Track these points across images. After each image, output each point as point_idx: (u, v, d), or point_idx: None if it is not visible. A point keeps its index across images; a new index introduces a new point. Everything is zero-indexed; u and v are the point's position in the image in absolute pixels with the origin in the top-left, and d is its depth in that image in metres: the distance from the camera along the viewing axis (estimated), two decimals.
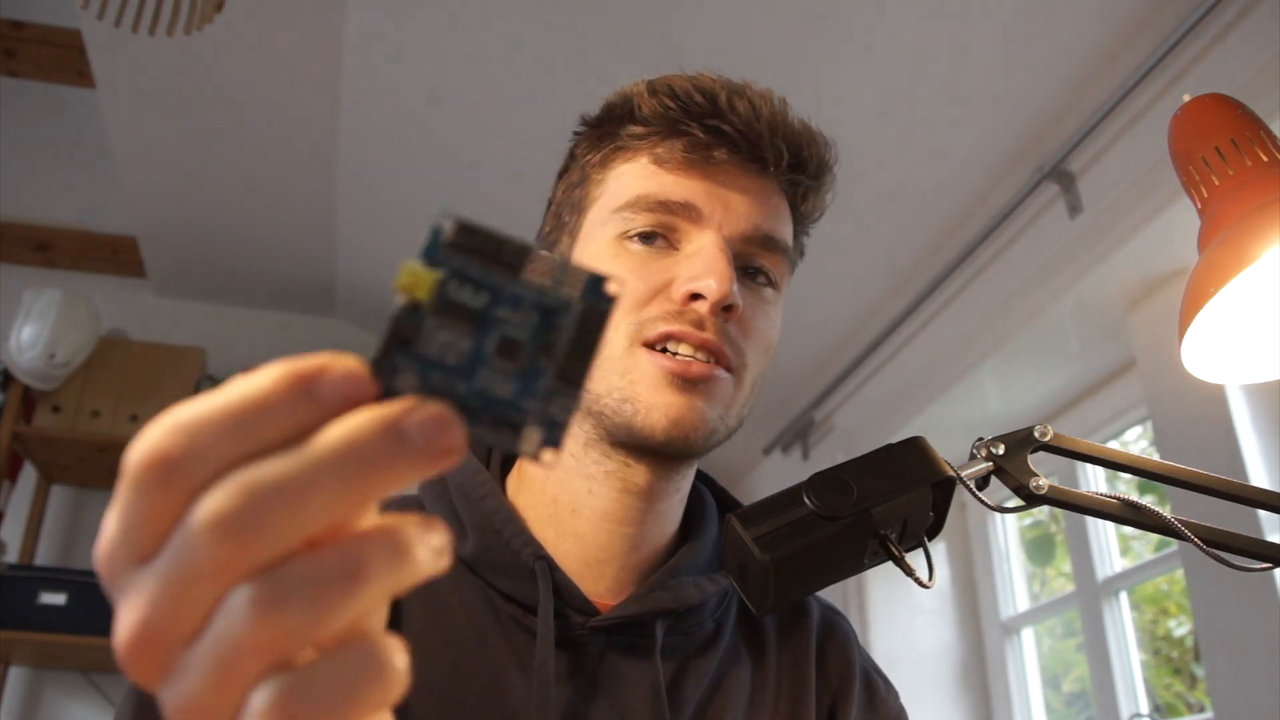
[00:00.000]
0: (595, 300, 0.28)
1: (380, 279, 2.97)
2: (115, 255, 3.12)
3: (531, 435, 0.27)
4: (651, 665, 0.67)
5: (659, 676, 0.67)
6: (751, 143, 0.69)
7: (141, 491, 0.26)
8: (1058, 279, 1.78)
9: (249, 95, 2.31)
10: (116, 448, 2.69)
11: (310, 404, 0.26)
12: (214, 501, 0.25)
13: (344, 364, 0.26)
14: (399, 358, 0.26)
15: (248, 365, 3.26)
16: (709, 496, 0.80)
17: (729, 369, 0.68)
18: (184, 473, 0.25)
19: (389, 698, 0.26)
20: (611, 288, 0.28)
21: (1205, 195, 0.73)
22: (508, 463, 0.76)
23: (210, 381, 2.86)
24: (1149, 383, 1.76)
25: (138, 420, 2.74)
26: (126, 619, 0.26)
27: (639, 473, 0.69)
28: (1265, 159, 0.71)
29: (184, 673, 0.26)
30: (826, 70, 1.80)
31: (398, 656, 0.26)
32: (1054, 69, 1.67)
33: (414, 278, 0.26)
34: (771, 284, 0.72)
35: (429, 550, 0.26)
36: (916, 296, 2.10)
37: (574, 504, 0.71)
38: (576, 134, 0.77)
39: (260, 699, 0.25)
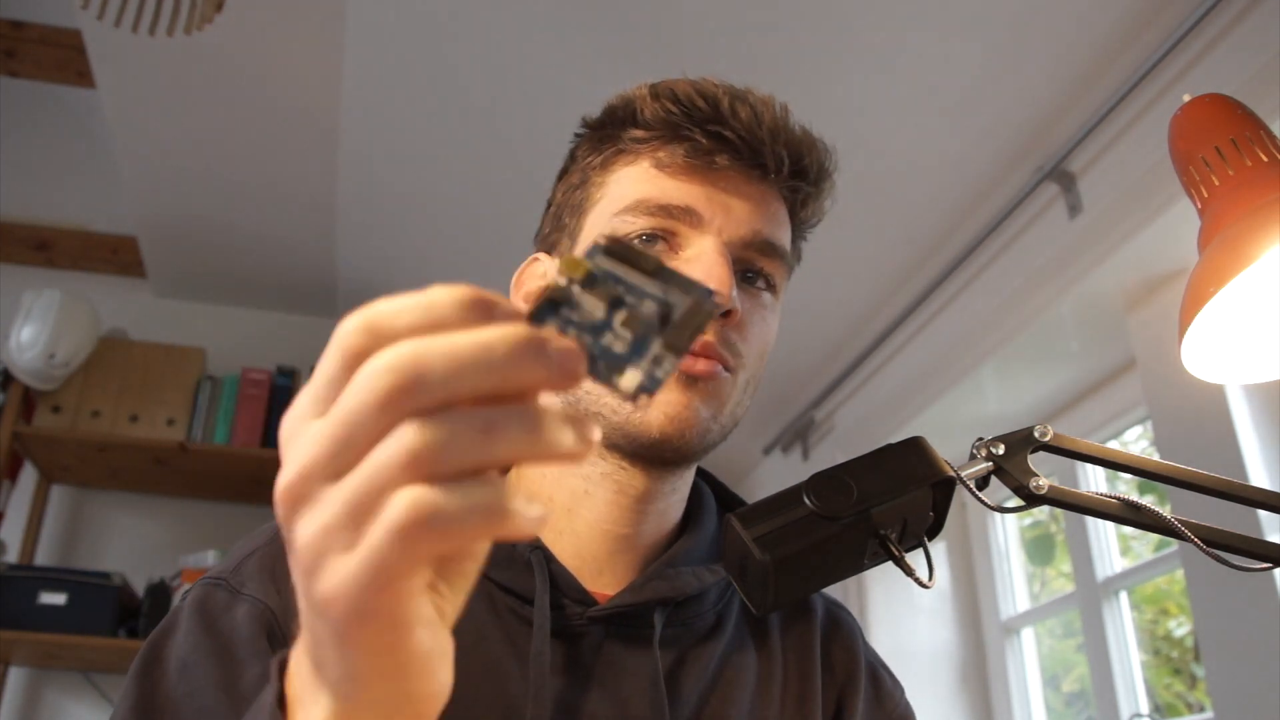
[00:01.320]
0: (704, 300, 0.34)
1: (381, 279, 2.97)
2: (115, 255, 3.11)
3: (633, 377, 0.33)
4: (650, 655, 0.68)
5: (657, 666, 0.67)
6: (753, 149, 0.70)
7: (334, 365, 0.32)
8: (1058, 279, 1.78)
9: (249, 95, 2.31)
10: (116, 448, 2.68)
11: (486, 319, 0.32)
12: (388, 353, 0.31)
13: (511, 303, 0.33)
14: (548, 315, 0.34)
15: (248, 365, 3.26)
16: (707, 490, 0.80)
17: (728, 369, 0.68)
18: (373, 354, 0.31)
19: (505, 530, 0.31)
20: (719, 298, 0.34)
21: (1205, 195, 0.73)
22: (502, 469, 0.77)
23: (210, 382, 2.86)
24: (1149, 383, 1.76)
25: (138, 420, 2.73)
26: (297, 454, 0.32)
27: (634, 476, 0.70)
28: (1265, 159, 0.71)
29: (338, 489, 0.31)
30: (826, 71, 1.79)
31: (525, 505, 0.32)
32: (1054, 69, 1.67)
33: (572, 263, 0.34)
34: (770, 288, 0.73)
35: (563, 433, 0.32)
36: (917, 296, 2.10)
37: (570, 505, 0.71)
38: (577, 135, 0.78)
39: (400, 498, 0.30)
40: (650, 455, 0.68)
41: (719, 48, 1.81)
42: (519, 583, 0.68)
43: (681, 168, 0.70)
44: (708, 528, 0.76)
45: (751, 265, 0.71)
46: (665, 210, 0.69)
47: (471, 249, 2.58)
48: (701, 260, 0.67)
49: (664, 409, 0.66)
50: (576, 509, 0.71)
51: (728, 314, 0.67)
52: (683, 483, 0.74)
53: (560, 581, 0.68)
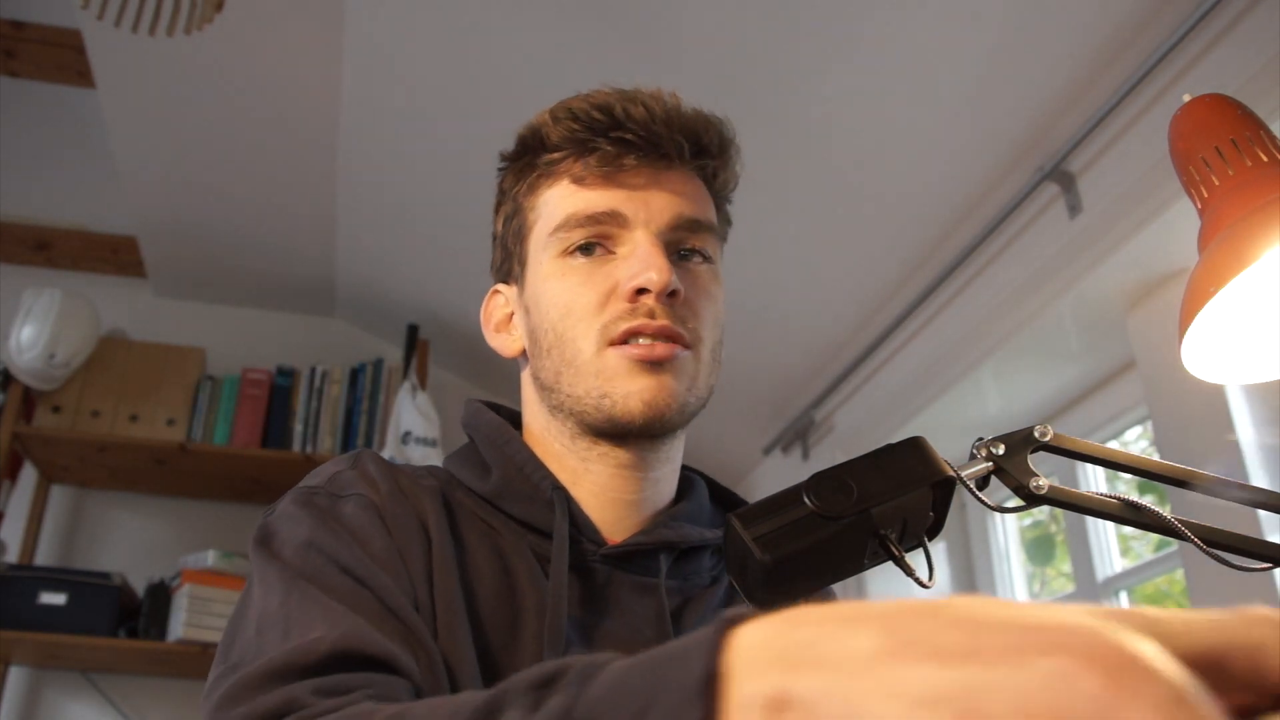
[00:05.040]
0: None
1: (381, 279, 2.97)
2: (115, 255, 3.11)
3: None
4: (656, 593, 0.74)
5: (664, 601, 0.74)
6: (653, 143, 0.76)
7: None
8: (1058, 279, 1.78)
9: (249, 95, 2.31)
10: (116, 448, 2.68)
11: None
12: None
13: None
14: None
15: (248, 365, 3.26)
16: (696, 477, 0.86)
17: (686, 346, 0.75)
18: None
19: None
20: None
21: (1205, 195, 0.73)
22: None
23: (210, 382, 2.86)
24: (1149, 383, 1.75)
25: (138, 420, 2.73)
26: None
27: (627, 453, 0.76)
28: (1265, 159, 0.71)
29: None
30: (826, 70, 1.79)
31: None
32: (1054, 69, 1.67)
33: None
34: (705, 260, 0.78)
35: None
36: (917, 296, 2.10)
37: (574, 480, 0.78)
38: (500, 170, 0.85)
39: None
40: (638, 434, 0.75)
41: (719, 48, 1.81)
42: (540, 518, 0.74)
43: (597, 177, 0.76)
44: (700, 498, 0.83)
45: (683, 244, 0.78)
46: (593, 219, 0.76)
47: (470, 249, 2.58)
48: (637, 253, 0.74)
49: (640, 395, 0.72)
50: (580, 482, 0.77)
51: (673, 294, 0.73)
52: (674, 450, 0.80)
53: (577, 520, 0.75)
